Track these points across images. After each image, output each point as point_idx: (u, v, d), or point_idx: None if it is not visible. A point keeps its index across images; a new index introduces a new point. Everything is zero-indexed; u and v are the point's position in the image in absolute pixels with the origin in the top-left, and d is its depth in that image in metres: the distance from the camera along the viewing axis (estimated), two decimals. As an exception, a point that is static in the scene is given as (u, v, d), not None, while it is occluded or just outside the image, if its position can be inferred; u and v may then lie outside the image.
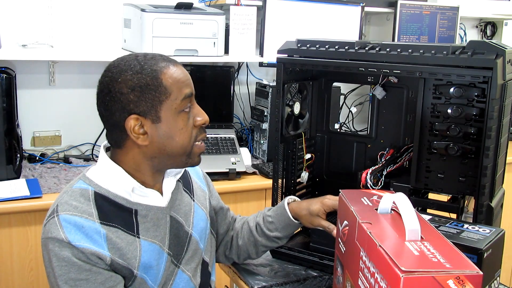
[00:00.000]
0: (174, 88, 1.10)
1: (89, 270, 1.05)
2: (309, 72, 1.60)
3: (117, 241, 1.08)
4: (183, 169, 1.26)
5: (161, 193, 1.19)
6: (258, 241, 1.39)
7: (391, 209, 1.03)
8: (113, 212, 1.10)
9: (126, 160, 1.14)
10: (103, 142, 1.21)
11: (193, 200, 1.28)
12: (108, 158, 1.14)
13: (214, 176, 2.22)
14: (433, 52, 1.25)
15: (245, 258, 1.44)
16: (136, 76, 1.08)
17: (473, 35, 3.66)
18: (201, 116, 1.15)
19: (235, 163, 2.38)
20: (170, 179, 1.22)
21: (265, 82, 2.68)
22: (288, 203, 1.37)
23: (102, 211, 1.09)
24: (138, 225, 1.13)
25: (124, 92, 1.07)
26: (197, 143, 1.16)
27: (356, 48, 1.36)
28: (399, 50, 1.30)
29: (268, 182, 2.26)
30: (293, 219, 1.35)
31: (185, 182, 1.28)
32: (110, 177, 1.13)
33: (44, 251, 1.08)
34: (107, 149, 1.19)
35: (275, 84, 1.57)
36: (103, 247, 1.06)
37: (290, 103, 1.55)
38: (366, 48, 1.34)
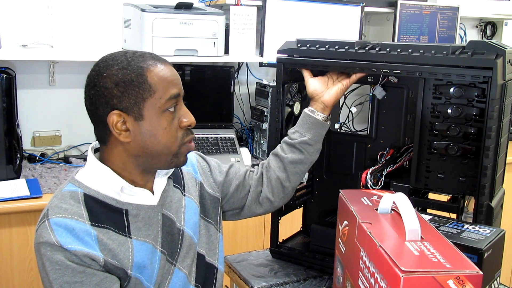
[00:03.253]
0: (159, 86, 1.09)
1: (83, 272, 1.04)
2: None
3: (109, 242, 1.07)
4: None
5: (152, 192, 1.18)
6: (285, 159, 1.35)
7: (391, 209, 1.03)
8: (104, 213, 1.09)
9: (112, 158, 1.13)
10: (91, 144, 1.20)
11: (184, 195, 1.26)
12: (96, 159, 1.13)
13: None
14: (433, 52, 1.25)
15: (279, 191, 1.37)
16: (122, 71, 1.07)
17: (473, 35, 3.66)
18: (187, 118, 1.13)
19: (235, 163, 2.38)
20: (161, 178, 1.20)
21: (265, 82, 2.68)
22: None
23: (92, 212, 1.08)
24: (129, 225, 1.12)
25: (108, 86, 1.07)
26: (184, 144, 1.14)
27: (356, 48, 1.36)
28: (399, 50, 1.30)
29: (268, 182, 2.26)
30: (316, 113, 1.36)
31: (175, 178, 1.26)
32: (99, 178, 1.12)
33: (37, 256, 1.07)
34: (95, 151, 1.19)
35: (275, 84, 1.57)
36: (95, 248, 1.05)
37: (290, 103, 1.55)
38: (366, 48, 1.34)
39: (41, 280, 1.09)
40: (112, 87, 1.07)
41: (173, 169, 1.24)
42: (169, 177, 1.23)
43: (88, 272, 1.04)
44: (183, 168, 1.30)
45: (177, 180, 1.26)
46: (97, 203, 1.10)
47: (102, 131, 1.11)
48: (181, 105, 1.14)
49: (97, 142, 1.18)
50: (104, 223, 1.09)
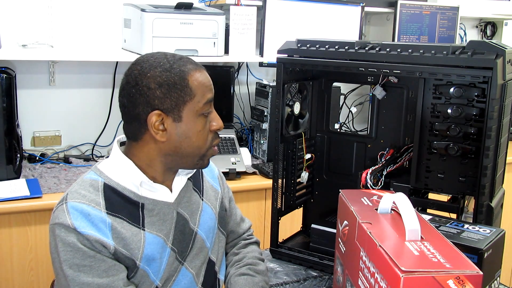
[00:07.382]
0: (198, 91, 1.14)
1: (93, 257, 1.07)
2: (309, 72, 1.60)
3: (122, 231, 1.11)
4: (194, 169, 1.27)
5: (171, 190, 1.21)
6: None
7: (391, 209, 1.03)
8: (120, 203, 1.13)
9: (140, 154, 1.16)
10: (118, 136, 1.24)
11: (202, 199, 1.29)
12: (121, 152, 1.17)
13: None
14: (433, 52, 1.25)
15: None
16: (165, 73, 1.11)
17: (473, 35, 3.66)
18: (217, 122, 1.19)
19: (235, 163, 2.38)
20: (181, 177, 1.24)
21: (265, 82, 2.68)
22: None
23: (109, 201, 1.12)
24: (143, 218, 1.15)
25: (151, 87, 1.10)
26: (212, 147, 1.19)
27: (356, 48, 1.36)
28: (399, 50, 1.30)
29: (268, 182, 2.26)
30: None
31: (196, 182, 1.30)
32: (120, 170, 1.16)
33: (51, 236, 1.11)
34: (121, 144, 1.22)
35: (275, 84, 1.57)
36: (107, 235, 1.09)
37: (290, 103, 1.55)
38: (366, 48, 1.34)
39: (52, 261, 1.11)
40: (155, 88, 1.10)
41: (194, 170, 1.27)
42: (189, 179, 1.27)
43: (98, 257, 1.08)
44: (206, 176, 1.35)
45: (197, 184, 1.30)
46: (115, 193, 1.14)
47: (137, 128, 1.14)
48: (213, 109, 1.20)
49: (123, 136, 1.21)
50: (120, 213, 1.12)
